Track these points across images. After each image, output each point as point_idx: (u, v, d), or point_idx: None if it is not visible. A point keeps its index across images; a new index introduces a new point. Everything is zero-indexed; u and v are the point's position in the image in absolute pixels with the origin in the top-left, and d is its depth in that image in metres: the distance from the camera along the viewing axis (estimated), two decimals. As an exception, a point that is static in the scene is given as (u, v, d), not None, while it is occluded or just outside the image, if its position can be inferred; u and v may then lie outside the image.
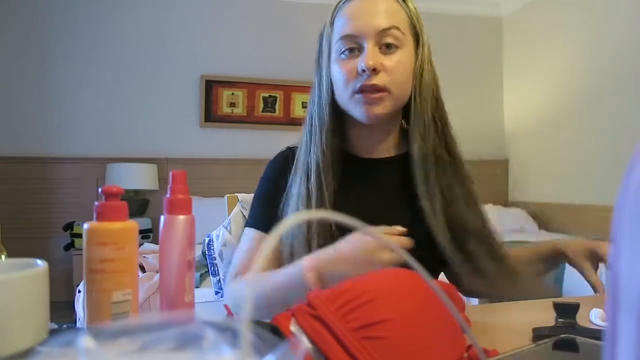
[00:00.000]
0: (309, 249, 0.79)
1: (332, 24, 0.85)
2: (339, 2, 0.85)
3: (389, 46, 0.80)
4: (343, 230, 0.81)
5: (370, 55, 0.78)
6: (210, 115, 3.73)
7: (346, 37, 0.81)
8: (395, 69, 0.80)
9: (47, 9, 3.45)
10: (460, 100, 4.10)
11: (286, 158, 0.92)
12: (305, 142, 0.86)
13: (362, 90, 0.79)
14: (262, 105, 3.83)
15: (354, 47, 0.81)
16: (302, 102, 3.86)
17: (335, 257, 0.67)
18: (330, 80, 0.85)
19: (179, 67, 3.68)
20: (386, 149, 0.90)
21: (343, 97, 0.83)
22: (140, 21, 3.62)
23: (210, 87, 3.71)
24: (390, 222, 0.76)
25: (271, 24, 3.86)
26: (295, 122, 3.93)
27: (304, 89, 3.80)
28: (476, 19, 4.28)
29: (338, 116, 0.86)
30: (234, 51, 3.77)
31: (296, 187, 0.84)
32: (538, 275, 0.91)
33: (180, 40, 3.68)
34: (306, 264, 0.68)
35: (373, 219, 0.82)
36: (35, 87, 3.43)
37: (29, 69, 3.42)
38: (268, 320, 0.50)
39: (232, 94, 3.76)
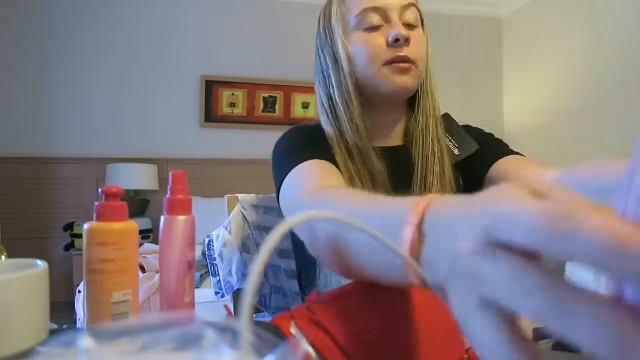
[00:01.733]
0: None
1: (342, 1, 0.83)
2: None
3: (409, 23, 0.80)
4: None
5: (400, 26, 0.78)
6: (210, 115, 3.73)
7: (370, 10, 0.79)
8: (420, 44, 0.80)
9: (47, 9, 3.45)
10: (460, 100, 4.11)
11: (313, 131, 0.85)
12: (330, 123, 0.82)
13: (393, 61, 0.78)
14: (262, 105, 3.83)
15: (378, 21, 0.79)
16: (302, 102, 3.86)
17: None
18: (349, 56, 0.81)
19: (179, 67, 3.68)
20: (396, 137, 0.88)
21: (368, 72, 0.80)
22: (140, 21, 3.62)
23: (210, 87, 3.71)
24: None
25: (271, 24, 3.86)
26: (295, 123, 3.93)
27: (304, 89, 3.81)
28: (476, 19, 4.28)
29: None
30: (234, 51, 3.77)
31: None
32: None
33: (180, 40, 3.68)
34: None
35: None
36: (35, 87, 3.43)
37: (28, 69, 3.42)
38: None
39: (232, 94, 3.77)
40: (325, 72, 0.85)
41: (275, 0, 3.88)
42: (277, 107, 3.85)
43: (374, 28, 0.79)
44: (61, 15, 3.48)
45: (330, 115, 0.83)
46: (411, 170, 0.83)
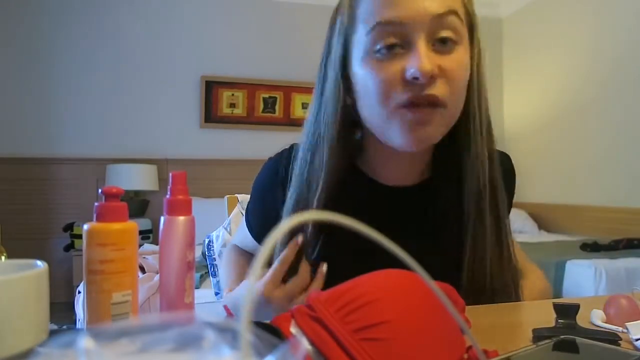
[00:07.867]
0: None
1: (351, 8, 0.62)
2: None
3: (444, 41, 0.57)
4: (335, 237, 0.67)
5: (426, 55, 0.55)
6: (210, 115, 3.73)
7: (383, 26, 0.57)
8: (457, 74, 0.58)
9: (46, 9, 3.45)
10: (460, 101, 4.12)
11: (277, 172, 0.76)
12: (305, 159, 0.67)
13: (411, 103, 0.57)
14: (262, 105, 3.83)
15: (394, 43, 0.57)
16: (302, 103, 3.87)
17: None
18: (342, 88, 0.63)
19: (179, 67, 3.68)
20: (415, 175, 0.71)
21: (378, 114, 0.60)
22: (140, 21, 3.62)
23: (211, 87, 3.72)
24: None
25: (271, 25, 3.86)
26: (295, 123, 3.94)
27: (304, 89, 3.81)
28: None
29: (349, 131, 0.66)
30: (234, 52, 3.78)
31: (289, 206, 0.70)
32: None
33: (180, 40, 3.69)
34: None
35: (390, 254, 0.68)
36: (35, 87, 3.43)
37: (29, 70, 3.42)
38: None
39: (232, 94, 3.77)
40: (315, 95, 0.68)
41: (276, 0, 3.88)
42: (277, 107, 3.85)
43: (390, 54, 0.58)
44: (61, 15, 3.48)
45: (307, 141, 0.68)
46: (435, 207, 0.69)
